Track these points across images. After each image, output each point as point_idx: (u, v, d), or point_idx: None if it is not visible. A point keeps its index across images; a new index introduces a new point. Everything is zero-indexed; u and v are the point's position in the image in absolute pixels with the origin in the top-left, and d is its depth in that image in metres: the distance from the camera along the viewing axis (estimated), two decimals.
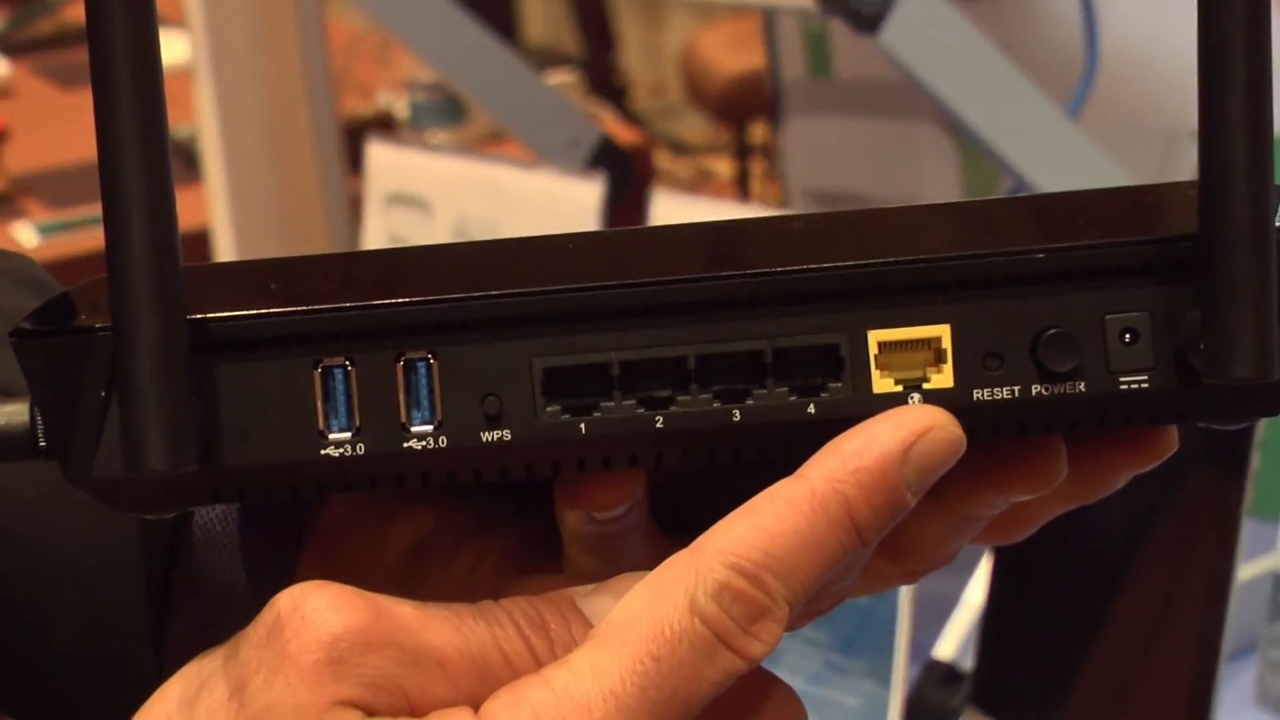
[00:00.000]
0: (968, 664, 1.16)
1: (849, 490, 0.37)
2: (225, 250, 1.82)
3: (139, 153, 0.36)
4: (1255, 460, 0.99)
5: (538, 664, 0.38)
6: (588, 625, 0.38)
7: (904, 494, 0.38)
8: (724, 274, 0.38)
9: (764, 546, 0.37)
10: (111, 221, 0.36)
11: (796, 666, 1.11)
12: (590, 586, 0.39)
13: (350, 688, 0.37)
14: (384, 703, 0.37)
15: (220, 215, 1.82)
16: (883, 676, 1.08)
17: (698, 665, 0.36)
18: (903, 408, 0.38)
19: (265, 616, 0.38)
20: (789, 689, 0.39)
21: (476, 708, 0.37)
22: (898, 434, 0.38)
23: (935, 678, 1.17)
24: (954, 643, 1.19)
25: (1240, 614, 1.02)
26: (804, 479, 0.37)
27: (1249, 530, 1.00)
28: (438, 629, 0.38)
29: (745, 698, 0.38)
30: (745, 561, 0.37)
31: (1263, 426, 0.99)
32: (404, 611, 0.38)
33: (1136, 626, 1.04)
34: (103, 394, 0.38)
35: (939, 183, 1.58)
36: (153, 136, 0.36)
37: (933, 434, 0.38)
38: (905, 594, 1.07)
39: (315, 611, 0.37)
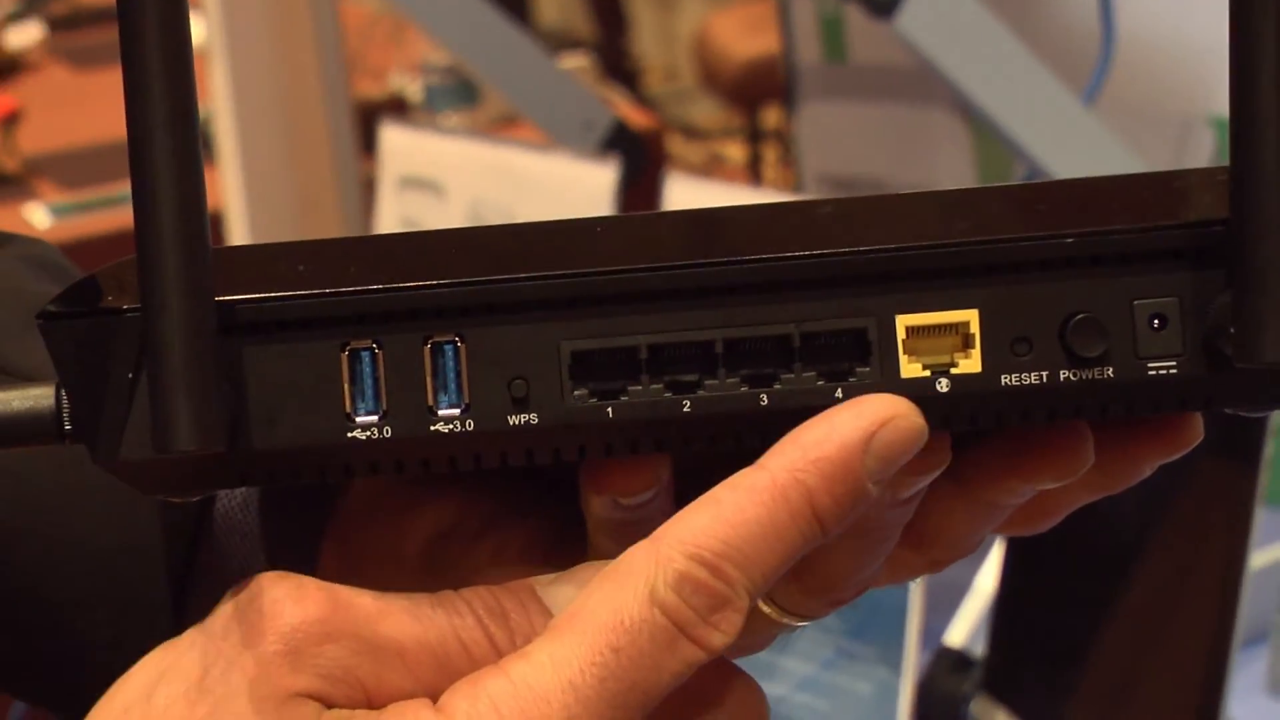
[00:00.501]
0: (979, 650, 1.16)
1: (810, 480, 0.37)
2: (238, 232, 1.82)
3: (170, 134, 0.36)
4: (1269, 447, 0.99)
5: (497, 654, 0.38)
6: (548, 615, 0.38)
7: (865, 484, 0.37)
8: (752, 258, 0.38)
9: (724, 537, 0.37)
10: (141, 203, 0.36)
11: (808, 652, 1.11)
12: (551, 575, 0.39)
13: (308, 679, 0.37)
14: (341, 694, 0.37)
15: (234, 197, 1.82)
16: (894, 662, 1.08)
17: (658, 656, 0.36)
18: (864, 397, 0.38)
19: (224, 608, 0.38)
20: (750, 679, 0.39)
21: (435, 699, 0.37)
22: (859, 423, 0.37)
23: (946, 664, 1.17)
24: (965, 629, 1.19)
25: (1253, 602, 1.01)
26: (765, 469, 0.37)
27: (1262, 518, 0.99)
28: (396, 619, 0.37)
29: (706, 688, 0.38)
30: (705, 552, 0.36)
31: (1277, 414, 0.99)
32: (362, 602, 0.37)
33: (1148, 614, 1.04)
34: (130, 375, 0.38)
35: (953, 168, 1.58)
36: (184, 118, 0.36)
37: (894, 423, 0.37)
38: (916, 580, 1.06)
39: (273, 603, 0.37)
